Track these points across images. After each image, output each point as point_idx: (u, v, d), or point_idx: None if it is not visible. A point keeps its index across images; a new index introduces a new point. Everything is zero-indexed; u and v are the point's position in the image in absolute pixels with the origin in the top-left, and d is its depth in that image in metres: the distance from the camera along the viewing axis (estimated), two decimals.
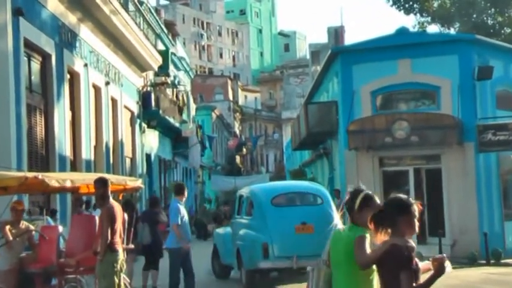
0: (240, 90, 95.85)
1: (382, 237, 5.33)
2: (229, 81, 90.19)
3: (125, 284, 10.89)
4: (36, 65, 17.49)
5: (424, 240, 23.95)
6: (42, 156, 17.47)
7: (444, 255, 5.35)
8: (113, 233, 10.15)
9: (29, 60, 16.93)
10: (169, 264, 14.01)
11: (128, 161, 27.62)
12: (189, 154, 42.18)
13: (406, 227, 5.33)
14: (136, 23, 26.24)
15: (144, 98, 30.66)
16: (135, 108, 29.16)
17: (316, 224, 15.32)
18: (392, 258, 5.19)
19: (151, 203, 17.34)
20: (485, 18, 41.87)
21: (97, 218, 11.14)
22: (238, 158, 79.26)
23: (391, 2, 40.74)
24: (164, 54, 33.70)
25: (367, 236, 5.53)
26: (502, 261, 21.94)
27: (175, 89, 40.07)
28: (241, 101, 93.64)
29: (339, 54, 26.57)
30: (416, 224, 5.35)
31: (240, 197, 17.72)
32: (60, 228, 12.55)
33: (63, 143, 18.46)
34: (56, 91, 18.05)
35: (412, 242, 5.26)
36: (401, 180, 25.19)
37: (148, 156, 32.49)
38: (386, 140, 24.11)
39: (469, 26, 39.34)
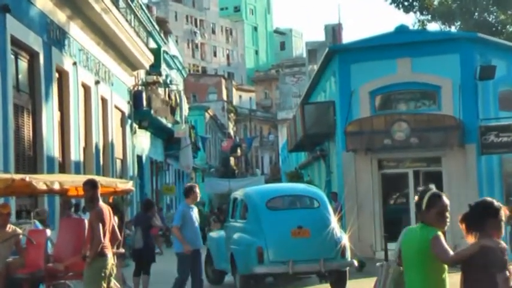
0: (234, 89, 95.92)
1: (473, 239, 5.82)
2: (223, 81, 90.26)
3: None
4: (23, 64, 17.47)
5: None
6: (29, 157, 17.45)
7: None
8: (102, 236, 10.13)
9: (16, 59, 16.91)
10: (177, 269, 14.02)
11: (118, 162, 27.60)
12: (180, 156, 42.15)
13: (494, 230, 5.76)
14: (127, 20, 26.23)
15: (135, 98, 30.64)
16: (126, 108, 29.14)
17: (312, 228, 15.34)
18: (485, 259, 5.59)
19: (145, 206, 17.32)
20: (487, 16, 41.94)
21: (86, 222, 11.14)
22: (232, 160, 79.30)
23: (389, 1, 40.70)
24: (156, 52, 33.68)
25: (440, 234, 6.01)
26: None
27: (167, 89, 40.06)
28: (235, 101, 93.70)
29: (337, 53, 26.60)
30: (503, 227, 5.76)
31: (234, 200, 17.71)
32: (48, 232, 12.55)
33: (52, 144, 18.45)
34: (44, 90, 18.03)
35: (503, 243, 5.63)
36: (400, 183, 25.24)
37: (139, 157, 32.47)
38: (385, 141, 24.14)
39: (471, 24, 39.39)
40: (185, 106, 48.39)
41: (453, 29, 42.44)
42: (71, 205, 17.93)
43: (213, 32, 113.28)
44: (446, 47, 24.74)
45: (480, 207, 5.88)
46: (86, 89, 22.60)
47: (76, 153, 20.80)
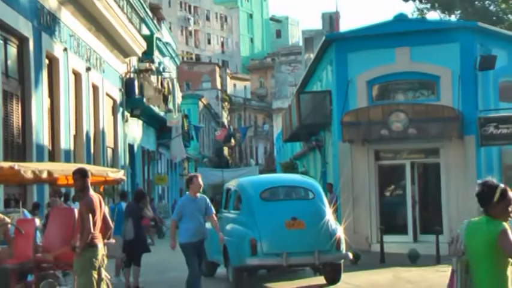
0: (228, 78, 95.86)
1: None
2: (217, 69, 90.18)
3: (105, 281, 10.88)
4: (13, 49, 17.43)
5: (415, 237, 24.10)
6: (18, 145, 17.44)
7: None
8: (92, 226, 10.12)
9: (5, 44, 16.88)
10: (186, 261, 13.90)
11: (109, 151, 27.60)
12: (171, 145, 42.16)
13: None
14: (119, 6, 26.19)
15: (127, 85, 30.61)
16: (118, 96, 29.11)
17: (307, 219, 15.35)
18: None
19: (136, 196, 17.31)
20: (487, 4, 41.98)
21: (76, 211, 11.13)
22: (226, 150, 79.31)
23: None
24: (149, 39, 33.65)
25: (507, 227, 6.07)
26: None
27: (160, 76, 40.01)
28: (229, 90, 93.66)
29: (334, 42, 26.57)
30: None
31: (227, 191, 17.72)
32: (37, 222, 12.54)
33: (41, 132, 18.43)
34: (34, 77, 18.00)
35: None
36: (397, 175, 25.27)
37: (131, 146, 32.47)
38: (382, 132, 24.13)
39: (471, 13, 39.43)
40: (178, 94, 48.33)
41: (453, 18, 42.50)
42: (61, 194, 17.95)
43: (208, 18, 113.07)
44: (445, 36, 24.72)
45: None
46: (77, 75, 22.57)
47: (66, 142, 20.78)
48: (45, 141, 18.83)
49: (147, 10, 39.47)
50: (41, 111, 18.40)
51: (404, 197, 24.77)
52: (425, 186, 24.98)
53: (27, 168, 10.84)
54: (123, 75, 30.61)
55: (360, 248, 21.24)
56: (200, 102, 67.02)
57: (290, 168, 37.84)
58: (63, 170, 12.29)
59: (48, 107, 19.44)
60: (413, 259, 20.82)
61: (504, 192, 6.23)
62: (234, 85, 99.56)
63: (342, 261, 15.67)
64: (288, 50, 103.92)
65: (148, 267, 16.96)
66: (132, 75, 32.33)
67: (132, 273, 15.97)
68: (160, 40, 42.31)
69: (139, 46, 29.72)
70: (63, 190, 18.11)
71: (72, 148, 21.55)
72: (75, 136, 22.15)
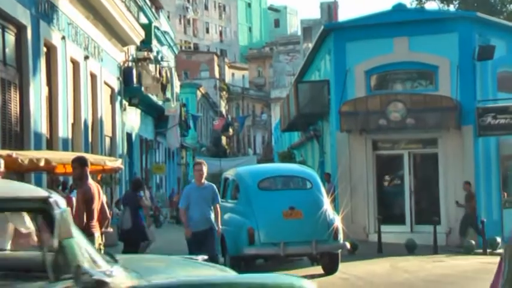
0: (226, 67, 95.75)
1: None
2: (215, 58, 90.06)
3: None
4: (10, 37, 17.38)
5: (411, 228, 24.15)
6: (16, 133, 17.41)
7: None
8: (89, 215, 10.11)
9: (3, 32, 16.82)
10: None
11: (107, 140, 27.56)
12: (167, 135, 42.14)
13: None
14: None
15: (125, 74, 30.53)
16: (116, 85, 29.06)
17: (305, 209, 15.36)
18: None
19: (134, 185, 17.29)
20: None
21: (74, 200, 11.13)
22: (224, 139, 79.30)
23: None
24: (147, 28, 33.54)
25: None
26: (499, 250, 22.05)
27: (158, 65, 39.95)
28: (228, 79, 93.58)
29: (332, 31, 26.55)
30: None
31: (225, 180, 17.72)
32: None
33: (39, 120, 18.39)
34: (32, 65, 17.95)
35: None
36: (395, 165, 25.30)
37: (129, 135, 32.43)
38: (380, 122, 24.14)
39: (470, 3, 39.37)
40: (176, 83, 48.26)
41: (452, 7, 42.44)
42: (59, 183, 17.93)
43: (206, 7, 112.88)
44: (444, 26, 24.71)
45: None
46: (75, 64, 22.51)
47: (64, 130, 20.74)
48: (43, 129, 18.79)
49: None
50: (39, 99, 18.36)
51: (402, 187, 24.81)
52: (423, 176, 25.00)
53: (25, 157, 10.84)
54: (121, 64, 30.54)
55: (357, 238, 21.27)
56: (198, 92, 66.96)
57: (287, 157, 37.85)
58: (61, 158, 12.30)
59: (46, 95, 19.39)
60: (410, 249, 20.87)
61: None
62: (233, 74, 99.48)
63: (340, 251, 15.68)
64: (287, 40, 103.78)
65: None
66: (130, 64, 32.26)
67: None
68: (158, 29, 42.21)
69: (137, 35, 29.64)
70: (61, 179, 18.09)
71: (70, 136, 21.50)
72: (73, 125, 22.10)
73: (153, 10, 42.12)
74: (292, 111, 30.27)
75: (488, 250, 21.86)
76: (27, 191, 4.99)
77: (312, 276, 15.92)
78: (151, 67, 36.82)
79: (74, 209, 10.79)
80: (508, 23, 27.71)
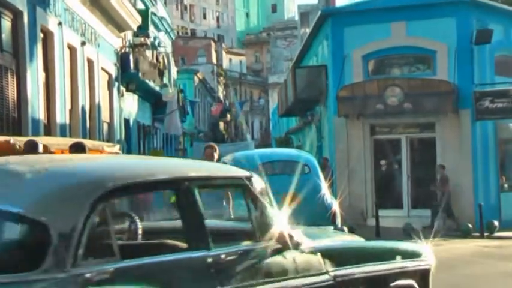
0: (224, 53, 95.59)
1: None
2: (212, 44, 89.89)
3: None
4: (7, 23, 17.34)
5: (408, 212, 24.20)
6: (13, 119, 17.39)
7: None
8: None
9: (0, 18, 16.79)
10: None
11: (105, 126, 27.53)
12: (165, 120, 42.09)
13: None
14: None
15: (122, 60, 30.46)
16: (113, 71, 29.01)
17: (302, 194, 15.37)
18: None
19: None
20: None
21: None
22: (221, 125, 79.27)
23: None
24: (144, 13, 33.45)
25: None
26: (497, 234, 22.12)
27: (155, 51, 39.89)
28: (225, 65, 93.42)
29: (330, 16, 26.52)
30: None
31: None
32: None
33: (37, 106, 18.38)
34: (29, 51, 17.92)
35: None
36: (393, 149, 25.32)
37: (126, 121, 32.40)
38: (378, 106, 24.15)
39: None
40: (174, 69, 48.20)
41: None
42: None
43: None
44: (442, 11, 24.67)
45: None
46: (72, 50, 22.46)
47: (62, 116, 20.72)
48: (41, 115, 18.77)
49: None
50: (36, 85, 18.33)
51: (400, 171, 24.84)
52: (420, 161, 25.03)
53: (23, 142, 10.82)
54: (118, 49, 30.47)
55: (355, 222, 21.29)
56: (196, 77, 66.85)
57: (284, 142, 37.89)
58: (59, 144, 12.28)
59: (43, 81, 19.37)
60: (408, 233, 20.90)
61: None
62: (230, 60, 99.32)
63: None
64: (284, 25, 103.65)
65: None
66: (127, 49, 32.19)
67: None
68: (155, 15, 42.11)
69: (134, 21, 29.58)
70: None
71: (67, 122, 21.48)
72: (70, 110, 22.08)
73: None
74: (289, 96, 30.27)
75: (485, 233, 21.93)
76: (235, 171, 6.34)
77: None
78: (148, 53, 36.75)
79: None
80: (506, 7, 27.66)
